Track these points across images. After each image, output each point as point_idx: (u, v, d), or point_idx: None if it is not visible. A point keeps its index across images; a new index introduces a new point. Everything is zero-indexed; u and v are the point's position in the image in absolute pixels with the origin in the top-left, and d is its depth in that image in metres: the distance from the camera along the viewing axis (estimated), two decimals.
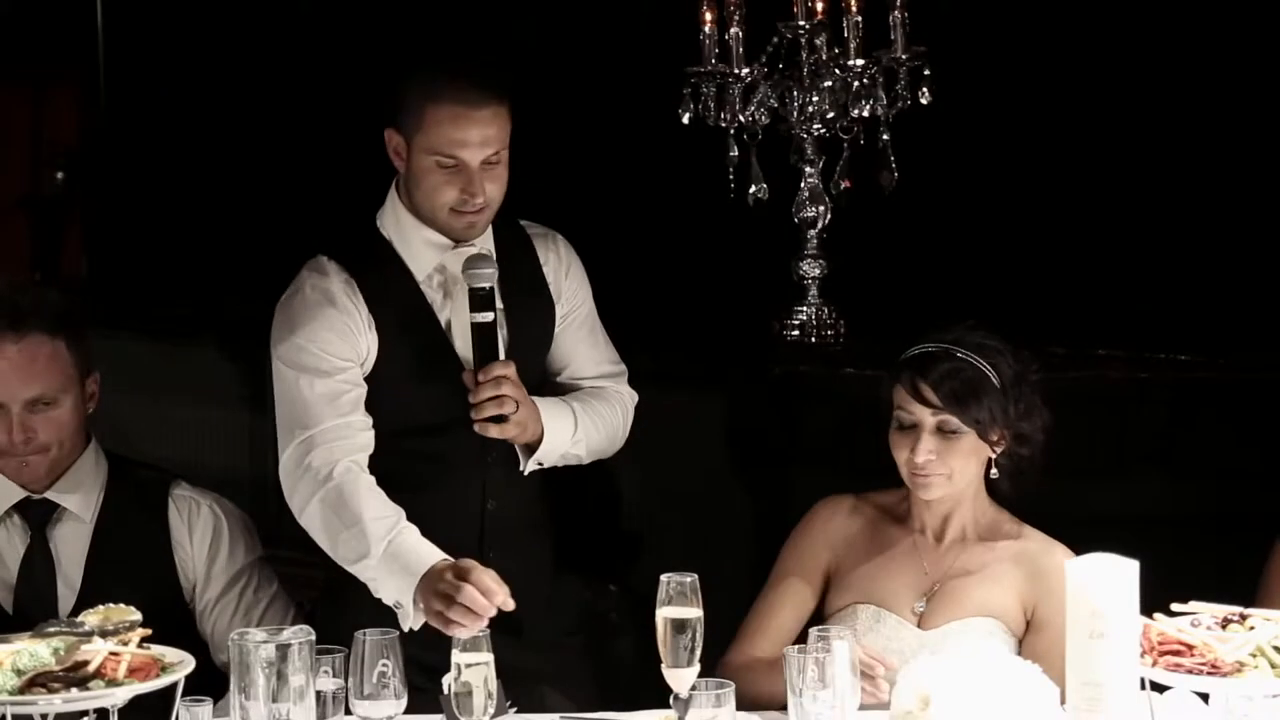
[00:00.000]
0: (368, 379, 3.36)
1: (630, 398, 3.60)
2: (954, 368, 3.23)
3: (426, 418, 3.36)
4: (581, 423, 3.45)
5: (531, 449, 3.40)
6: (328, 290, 3.34)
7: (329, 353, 3.31)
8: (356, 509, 3.19)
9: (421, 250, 3.39)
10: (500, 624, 3.08)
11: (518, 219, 3.57)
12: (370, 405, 3.35)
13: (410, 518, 3.23)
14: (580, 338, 3.57)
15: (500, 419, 3.28)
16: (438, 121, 3.28)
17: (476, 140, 3.30)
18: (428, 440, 3.33)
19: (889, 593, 3.27)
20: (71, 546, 3.35)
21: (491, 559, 3.20)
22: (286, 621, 3.34)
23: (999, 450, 3.26)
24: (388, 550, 3.16)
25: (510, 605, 3.03)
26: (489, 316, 3.28)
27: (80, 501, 3.36)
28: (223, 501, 3.50)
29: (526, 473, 3.43)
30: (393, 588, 3.17)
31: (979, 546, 3.28)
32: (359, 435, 3.29)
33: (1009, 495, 3.31)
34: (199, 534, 3.42)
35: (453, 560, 3.13)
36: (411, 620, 3.14)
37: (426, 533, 3.22)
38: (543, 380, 3.51)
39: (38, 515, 3.36)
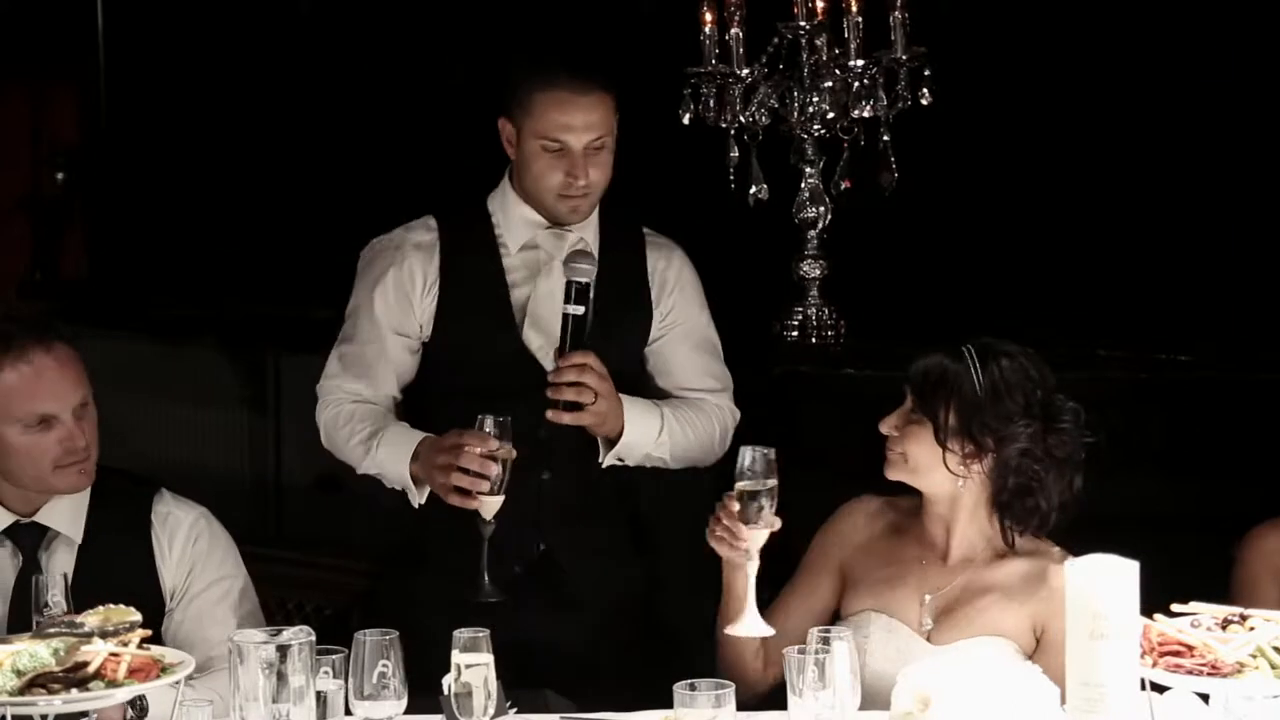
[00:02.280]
0: (432, 336, 3.54)
1: (731, 413, 3.65)
2: (938, 362, 3.22)
3: (487, 381, 3.45)
4: (668, 426, 3.51)
5: (613, 442, 3.46)
6: (401, 245, 3.55)
7: (378, 319, 3.53)
8: (353, 421, 3.50)
9: (517, 225, 3.55)
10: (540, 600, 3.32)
11: (642, 226, 3.69)
12: (433, 363, 3.56)
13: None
14: (683, 351, 3.63)
15: (575, 406, 3.35)
16: (545, 107, 3.46)
17: (580, 124, 3.45)
18: (489, 404, 3.36)
19: (899, 605, 3.25)
20: (64, 569, 3.30)
21: (543, 530, 3.44)
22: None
23: (958, 465, 3.18)
24: (383, 442, 3.44)
25: (511, 452, 3.22)
26: (579, 310, 3.37)
27: (69, 522, 3.30)
28: (207, 515, 3.45)
29: (604, 465, 3.50)
30: (395, 475, 3.44)
31: (991, 566, 3.24)
32: (369, 398, 3.53)
33: (1013, 528, 3.21)
34: (179, 549, 3.37)
35: (440, 435, 3.34)
36: (419, 497, 3.42)
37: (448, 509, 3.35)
38: (636, 382, 3.58)
39: (29, 540, 3.31)
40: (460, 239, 3.56)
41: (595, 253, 3.51)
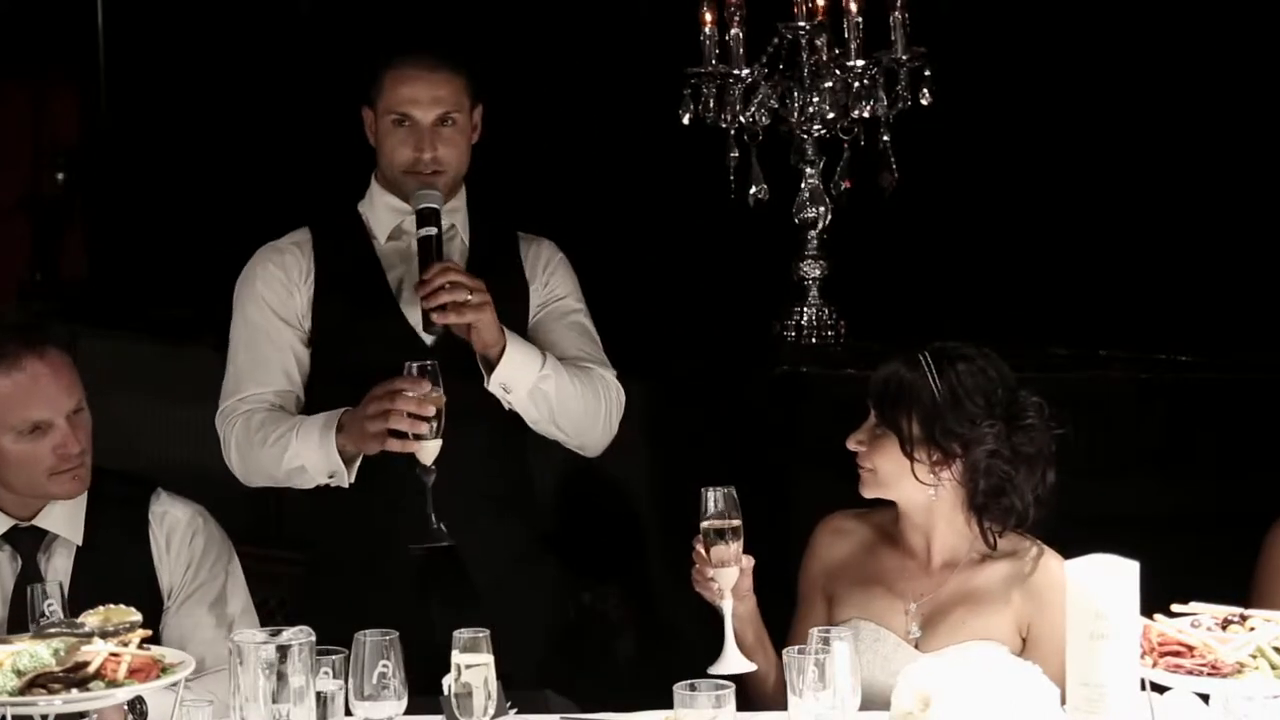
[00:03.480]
0: (312, 328, 3.55)
1: (617, 390, 3.60)
2: (895, 371, 3.20)
3: (373, 363, 3.41)
4: (551, 363, 3.47)
5: (489, 362, 3.43)
6: (274, 246, 3.63)
7: (266, 314, 3.57)
8: (265, 426, 3.47)
9: (383, 214, 3.60)
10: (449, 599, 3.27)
11: (516, 230, 3.68)
12: (318, 354, 3.56)
13: (361, 463, 3.40)
14: (559, 328, 3.62)
15: (451, 307, 3.34)
16: (393, 83, 3.55)
17: (427, 98, 3.53)
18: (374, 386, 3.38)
19: (884, 614, 3.24)
20: (63, 573, 3.30)
21: (435, 519, 3.32)
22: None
23: (926, 474, 3.16)
24: (301, 429, 3.41)
25: (442, 397, 3.25)
26: (432, 230, 3.43)
27: (68, 525, 3.30)
28: (203, 513, 3.45)
29: (490, 388, 3.45)
30: (321, 457, 3.39)
31: (973, 570, 3.23)
32: (271, 399, 3.53)
33: (992, 529, 3.20)
34: (176, 548, 3.37)
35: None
36: (349, 476, 3.40)
37: (371, 477, 3.39)
38: None
39: (27, 543, 3.31)
40: (332, 235, 3.62)
41: (466, 237, 3.58)
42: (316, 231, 3.62)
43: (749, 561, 3.14)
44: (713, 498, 3.09)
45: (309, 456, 3.41)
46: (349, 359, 3.49)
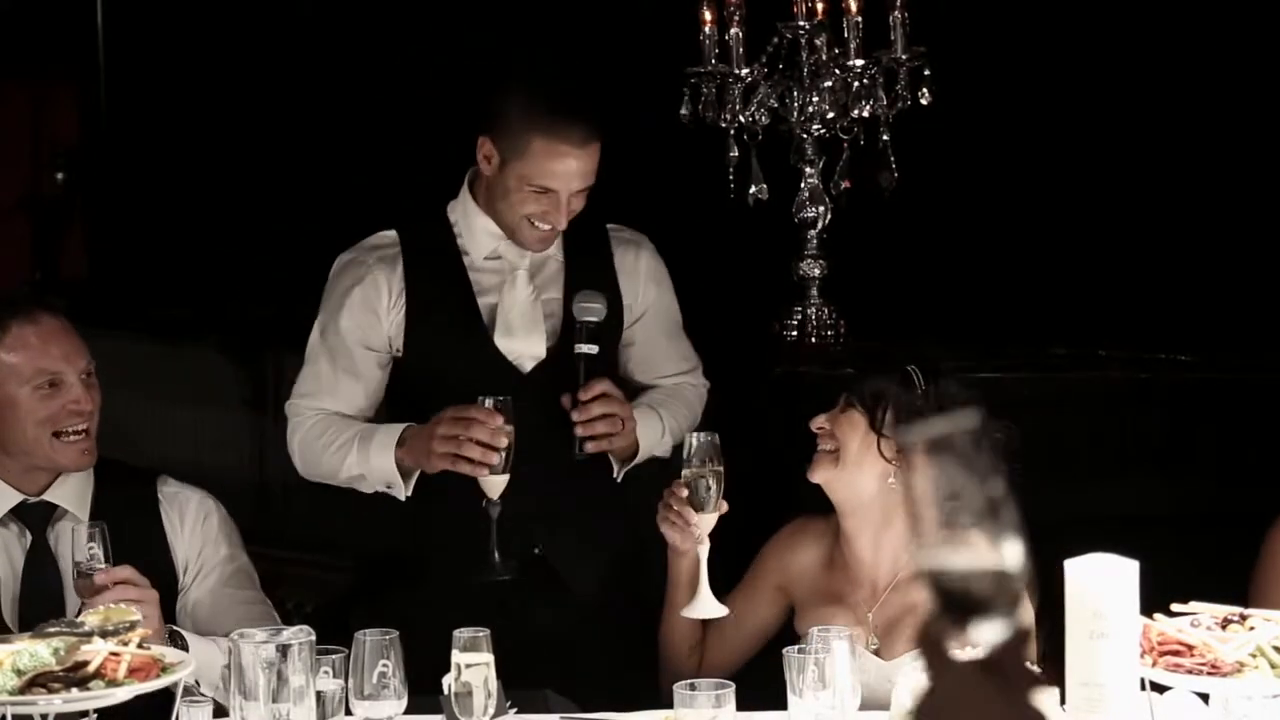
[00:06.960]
0: (405, 347, 3.53)
1: (703, 388, 3.70)
2: (883, 381, 3.21)
3: (462, 389, 3.43)
4: (667, 425, 3.56)
5: (624, 459, 3.53)
6: (364, 259, 3.54)
7: (344, 336, 3.53)
8: (329, 431, 3.50)
9: (480, 235, 3.54)
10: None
11: (605, 223, 3.68)
12: (407, 374, 3.56)
13: (440, 485, 3.40)
14: (656, 338, 3.66)
15: (603, 436, 3.40)
16: (541, 155, 3.41)
17: (576, 172, 3.44)
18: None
19: (845, 625, 3.23)
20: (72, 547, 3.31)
21: (497, 555, 3.37)
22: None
23: (889, 448, 3.13)
24: (360, 440, 3.44)
25: (512, 434, 3.26)
26: (593, 349, 3.42)
27: (77, 500, 3.31)
28: (211, 496, 3.47)
29: (619, 479, 3.56)
30: (378, 468, 3.44)
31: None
32: (340, 411, 3.54)
33: None
34: (190, 523, 3.39)
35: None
36: (405, 490, 3.44)
37: (452, 505, 3.40)
38: (611, 374, 3.58)
39: (36, 518, 3.32)
40: (423, 248, 3.56)
41: (560, 257, 3.55)
42: (406, 240, 3.56)
43: (724, 506, 3.20)
44: (696, 443, 3.15)
45: (369, 465, 3.44)
46: (439, 382, 3.49)
